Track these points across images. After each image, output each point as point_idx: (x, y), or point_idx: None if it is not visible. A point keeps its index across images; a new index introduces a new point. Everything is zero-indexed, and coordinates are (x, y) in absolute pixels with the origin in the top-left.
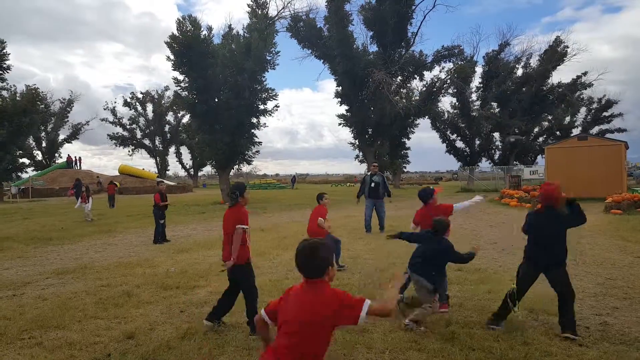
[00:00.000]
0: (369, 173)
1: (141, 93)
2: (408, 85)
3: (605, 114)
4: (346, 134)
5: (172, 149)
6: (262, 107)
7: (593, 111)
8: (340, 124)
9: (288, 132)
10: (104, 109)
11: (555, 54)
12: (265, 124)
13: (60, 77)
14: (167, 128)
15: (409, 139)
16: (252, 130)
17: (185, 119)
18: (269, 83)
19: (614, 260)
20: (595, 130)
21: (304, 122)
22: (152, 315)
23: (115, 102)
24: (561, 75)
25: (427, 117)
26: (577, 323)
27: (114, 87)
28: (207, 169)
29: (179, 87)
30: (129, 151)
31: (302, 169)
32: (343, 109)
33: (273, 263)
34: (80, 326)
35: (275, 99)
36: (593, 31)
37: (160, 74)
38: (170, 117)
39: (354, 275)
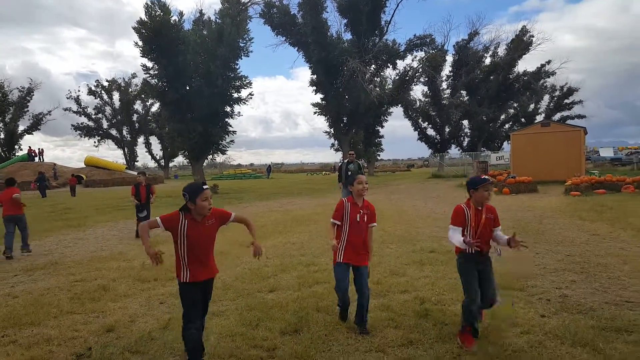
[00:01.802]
0: (345, 161)
1: (107, 81)
2: (382, 73)
3: (566, 101)
4: (321, 122)
5: (140, 139)
6: (235, 95)
7: (555, 98)
8: (315, 113)
9: (262, 120)
10: (67, 98)
11: (521, 43)
12: (239, 112)
13: (17, 64)
14: (135, 117)
15: (382, 127)
16: (226, 119)
17: (155, 108)
18: (242, 70)
19: (572, 238)
20: (557, 116)
21: (278, 110)
22: (131, 308)
23: (79, 91)
24: (526, 64)
25: (400, 105)
26: (539, 296)
27: (76, 74)
28: (179, 160)
29: (148, 75)
30: (94, 142)
31: (277, 159)
32: (318, 98)
33: (251, 251)
34: (56, 322)
35: (249, 87)
36: (557, 21)
37: (126, 60)
38: (138, 105)
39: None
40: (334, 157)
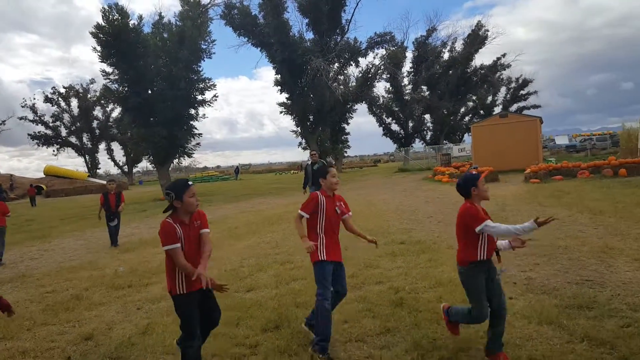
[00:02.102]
0: (309, 162)
1: (64, 87)
2: (345, 72)
3: (522, 92)
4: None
5: (102, 146)
6: (199, 97)
7: (512, 90)
8: (281, 112)
9: (227, 122)
10: (22, 107)
11: (477, 38)
12: (204, 115)
13: None
14: (95, 124)
15: (348, 124)
16: (191, 122)
17: (116, 113)
18: (205, 72)
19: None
20: (514, 107)
21: (242, 111)
22: (107, 315)
23: (34, 98)
24: (483, 57)
25: (364, 102)
26: (505, 280)
27: (30, 82)
28: (143, 165)
29: (107, 80)
30: (53, 151)
31: (244, 159)
32: (283, 97)
33: (226, 253)
34: (30, 334)
35: (213, 89)
36: (510, 14)
37: (82, 66)
38: (98, 111)
39: (307, 257)
40: (302, 155)
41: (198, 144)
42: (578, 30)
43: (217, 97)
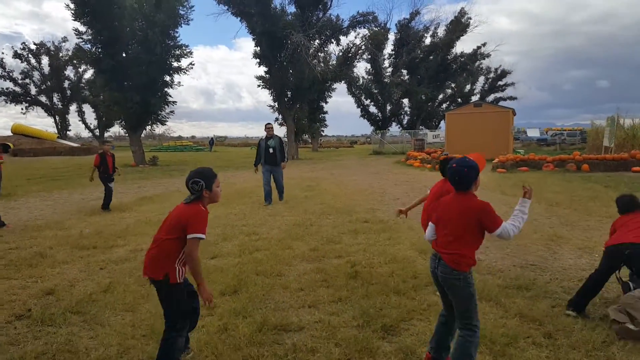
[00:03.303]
0: (263, 137)
1: (34, 44)
2: (325, 49)
3: (500, 83)
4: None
5: (73, 107)
6: (175, 64)
7: (490, 80)
8: (259, 86)
9: (204, 92)
10: None
11: (459, 25)
12: (179, 82)
13: None
14: (66, 84)
15: (326, 103)
16: (165, 89)
17: (88, 75)
18: (182, 39)
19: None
20: (491, 97)
21: (220, 82)
22: (70, 273)
23: (2, 53)
24: (464, 45)
25: (343, 81)
26: None
27: None
28: (115, 130)
29: (80, 40)
30: (22, 109)
31: (220, 131)
32: (262, 70)
33: None
34: None
35: (189, 57)
36: (494, 3)
37: (54, 22)
38: (70, 71)
39: (273, 230)
40: (278, 131)
41: (172, 112)
42: (560, 25)
43: (193, 64)
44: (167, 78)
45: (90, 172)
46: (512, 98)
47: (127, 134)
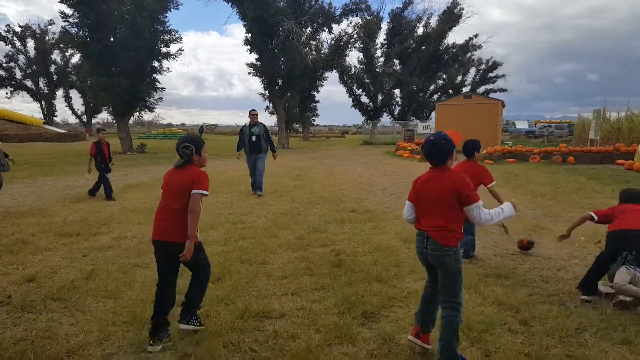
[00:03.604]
0: (247, 124)
1: (19, 26)
2: (317, 37)
3: (491, 74)
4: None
5: (60, 93)
6: (164, 50)
7: (481, 72)
8: (250, 73)
9: (194, 78)
10: None
11: (451, 15)
12: (168, 68)
13: None
14: (53, 68)
15: (318, 92)
16: (154, 75)
17: (75, 59)
18: (172, 24)
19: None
20: (482, 89)
21: (211, 68)
22: (52, 260)
23: None
24: (456, 36)
25: (335, 70)
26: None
27: None
28: (103, 116)
29: (67, 23)
30: (6, 93)
31: (210, 119)
32: (253, 58)
33: None
34: None
35: (179, 42)
36: None
37: (40, 4)
38: (56, 55)
39: (260, 218)
40: (269, 120)
41: (161, 98)
42: (553, 18)
43: (182, 50)
44: (156, 64)
45: (87, 164)
46: (502, 90)
47: (114, 121)
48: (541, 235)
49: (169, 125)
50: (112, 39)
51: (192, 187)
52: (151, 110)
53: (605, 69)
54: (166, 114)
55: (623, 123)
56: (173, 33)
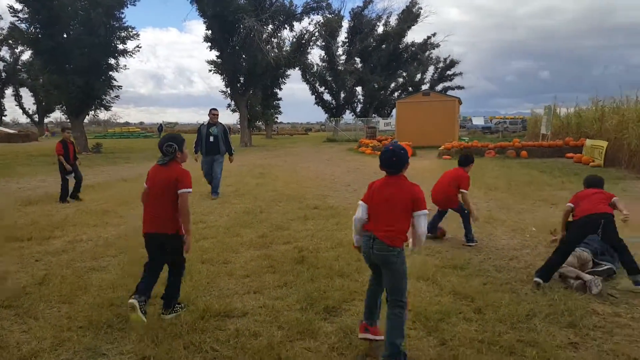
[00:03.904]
0: (205, 123)
1: None
2: (279, 34)
3: (449, 72)
4: (218, 81)
5: (9, 91)
6: (121, 46)
7: (439, 70)
8: (210, 71)
9: (153, 76)
10: None
11: (410, 15)
12: (125, 65)
13: None
14: (1, 66)
15: (280, 89)
16: (110, 73)
17: (26, 56)
18: (128, 20)
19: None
20: (440, 87)
21: (171, 65)
22: (1, 266)
23: None
24: (415, 35)
25: (297, 68)
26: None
27: None
28: (56, 115)
29: (16, 18)
30: None
31: (170, 117)
32: (214, 55)
33: (137, 212)
34: None
35: (136, 39)
36: None
37: None
38: (5, 52)
39: (221, 218)
40: (231, 118)
41: (117, 96)
42: (506, 18)
43: (140, 47)
44: (112, 61)
45: (63, 163)
46: (460, 87)
47: (68, 120)
48: (495, 226)
49: (127, 124)
50: (65, 36)
51: (176, 184)
52: (107, 108)
53: (556, 67)
54: (123, 113)
55: (572, 118)
56: (130, 29)
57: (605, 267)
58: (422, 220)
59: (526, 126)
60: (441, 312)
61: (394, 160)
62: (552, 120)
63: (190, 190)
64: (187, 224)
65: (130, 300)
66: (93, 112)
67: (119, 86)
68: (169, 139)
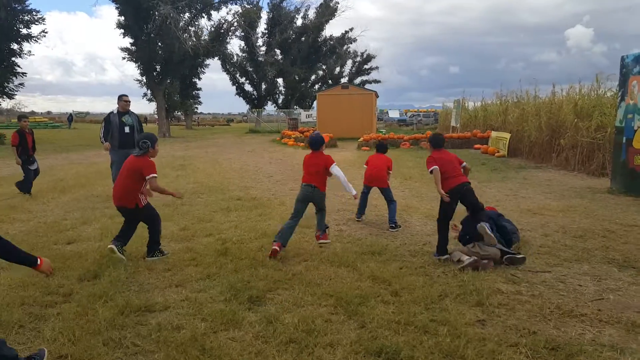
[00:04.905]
0: (114, 111)
1: None
2: (196, 23)
3: (366, 66)
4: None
5: None
6: (24, 31)
7: (357, 63)
8: (124, 59)
9: (61, 62)
10: None
11: (328, 9)
12: (30, 51)
13: None
14: None
15: (200, 79)
16: (13, 59)
17: None
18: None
19: (353, 184)
20: (358, 80)
21: (81, 52)
22: None
23: None
24: (333, 29)
25: (217, 58)
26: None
27: None
28: None
29: None
30: None
31: (80, 107)
32: (127, 42)
33: (48, 206)
34: None
35: (41, 23)
36: None
37: None
38: None
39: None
40: (148, 107)
41: (21, 84)
42: (417, 14)
43: (46, 32)
44: (15, 46)
45: (15, 155)
46: (376, 81)
47: None
48: (410, 213)
49: (33, 113)
50: None
51: (142, 171)
52: (10, 97)
53: (464, 62)
54: (29, 101)
55: (479, 112)
56: (34, 13)
57: (521, 256)
58: (335, 169)
59: (438, 119)
60: (361, 296)
61: (317, 140)
62: (461, 114)
63: (155, 175)
64: (165, 192)
65: (109, 246)
66: None
67: (23, 73)
68: (145, 137)
